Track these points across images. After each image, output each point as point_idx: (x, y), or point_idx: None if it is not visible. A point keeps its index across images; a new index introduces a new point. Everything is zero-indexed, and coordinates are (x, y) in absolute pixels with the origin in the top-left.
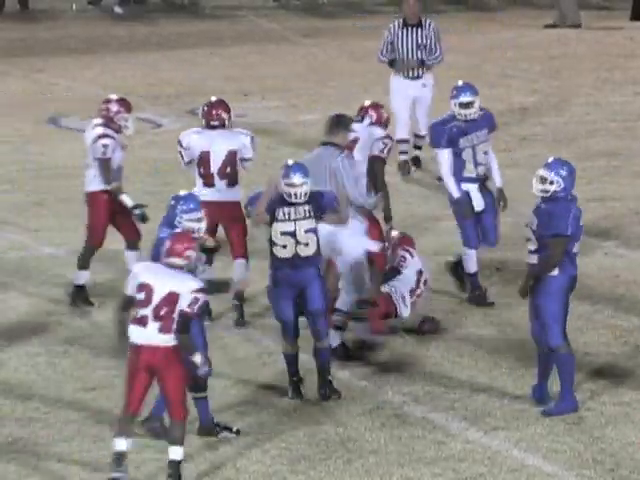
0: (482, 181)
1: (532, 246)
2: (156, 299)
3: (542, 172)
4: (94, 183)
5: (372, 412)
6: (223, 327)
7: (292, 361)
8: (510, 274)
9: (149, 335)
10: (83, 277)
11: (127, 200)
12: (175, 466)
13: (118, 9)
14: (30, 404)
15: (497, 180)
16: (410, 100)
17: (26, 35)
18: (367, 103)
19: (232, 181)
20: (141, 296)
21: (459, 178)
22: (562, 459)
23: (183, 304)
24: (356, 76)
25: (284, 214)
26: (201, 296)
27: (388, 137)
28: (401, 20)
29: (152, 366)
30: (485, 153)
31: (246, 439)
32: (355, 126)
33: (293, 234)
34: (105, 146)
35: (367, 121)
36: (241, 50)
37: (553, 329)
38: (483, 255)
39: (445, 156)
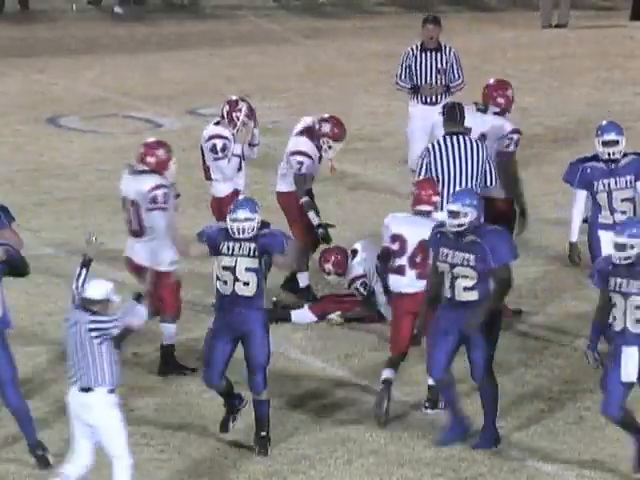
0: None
1: (470, 282)
2: (410, 248)
3: (452, 206)
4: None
5: (372, 413)
6: None
7: (263, 411)
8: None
9: (408, 283)
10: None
11: (313, 218)
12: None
13: (118, 9)
14: (30, 404)
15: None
16: (429, 128)
17: (26, 35)
18: (492, 82)
19: None
20: (395, 246)
21: (595, 222)
22: (562, 459)
23: None
24: (356, 76)
25: (228, 248)
26: None
27: (515, 131)
28: (419, 44)
29: (415, 311)
30: (628, 201)
31: (246, 439)
32: (478, 117)
33: (233, 270)
34: (300, 163)
35: (492, 111)
36: (241, 50)
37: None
38: None
39: (577, 195)
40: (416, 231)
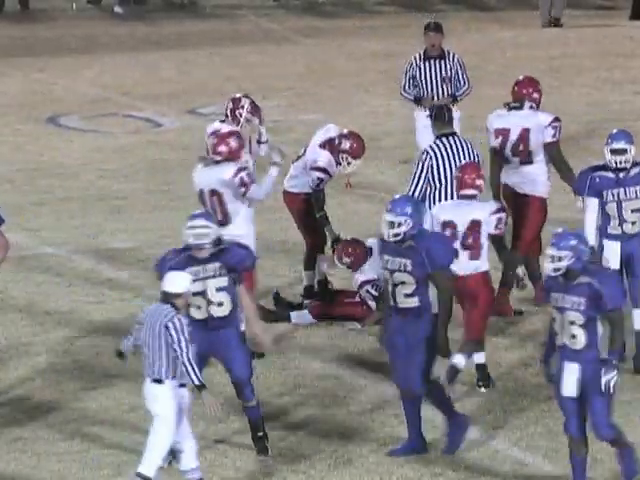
0: (631, 239)
1: (409, 288)
2: (461, 232)
3: (388, 216)
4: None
5: (372, 412)
6: None
7: (256, 415)
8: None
9: (462, 266)
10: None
11: (330, 232)
12: (483, 367)
13: (118, 9)
14: (30, 403)
15: None
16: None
17: (26, 35)
18: (523, 79)
19: None
20: (447, 233)
21: (604, 233)
22: (562, 458)
23: (490, 228)
24: (356, 76)
25: (194, 274)
26: (502, 215)
27: (557, 119)
28: (422, 53)
29: (470, 292)
30: (639, 211)
31: (246, 438)
32: (515, 116)
33: (204, 294)
34: (320, 179)
35: (527, 107)
36: (241, 50)
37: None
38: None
39: (589, 204)
40: (464, 214)
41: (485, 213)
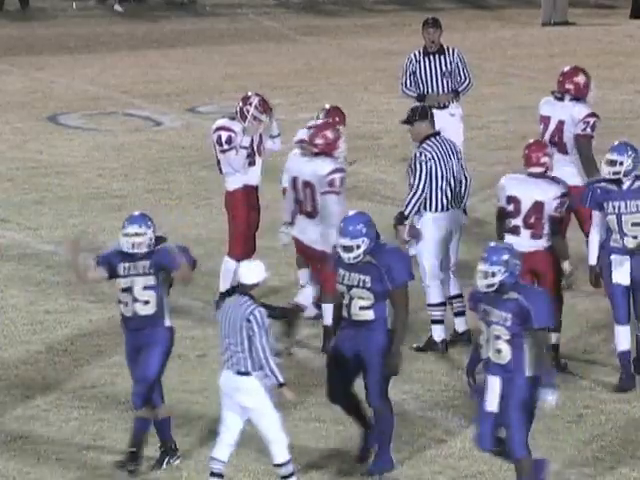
0: (633, 253)
1: (366, 302)
2: (524, 209)
3: (343, 241)
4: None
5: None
6: None
7: (139, 428)
8: None
9: (523, 242)
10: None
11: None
12: (555, 348)
13: (118, 7)
14: (30, 402)
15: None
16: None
17: (26, 33)
18: (567, 69)
19: None
20: (511, 207)
21: (607, 245)
22: (562, 457)
23: (550, 210)
24: (356, 74)
25: (123, 269)
26: (564, 199)
27: (591, 115)
28: (421, 49)
29: (534, 269)
30: (637, 225)
31: (246, 438)
32: (557, 105)
33: (130, 290)
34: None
35: (568, 98)
36: (241, 48)
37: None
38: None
39: (594, 216)
40: (530, 192)
41: (549, 195)
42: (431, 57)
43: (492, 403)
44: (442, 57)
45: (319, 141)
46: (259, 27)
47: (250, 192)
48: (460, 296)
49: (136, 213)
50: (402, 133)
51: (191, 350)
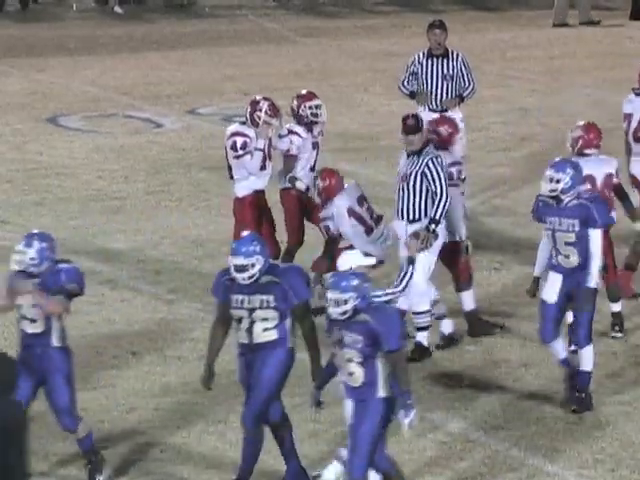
0: (567, 272)
1: (271, 323)
2: (599, 185)
3: (236, 260)
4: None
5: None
6: None
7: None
8: (511, 274)
9: None
10: None
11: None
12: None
13: (118, 9)
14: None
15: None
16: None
17: (26, 34)
18: None
19: None
20: (587, 186)
21: (550, 261)
22: (562, 458)
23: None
24: (356, 75)
25: (20, 286)
26: (617, 179)
27: None
28: (426, 50)
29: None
30: (572, 245)
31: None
32: (636, 102)
33: (20, 307)
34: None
35: None
36: (241, 50)
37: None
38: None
39: (544, 229)
40: (601, 169)
41: (612, 167)
42: (435, 59)
43: (348, 417)
44: (445, 60)
45: (432, 137)
46: (259, 28)
47: (260, 197)
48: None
49: (35, 231)
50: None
51: (191, 352)
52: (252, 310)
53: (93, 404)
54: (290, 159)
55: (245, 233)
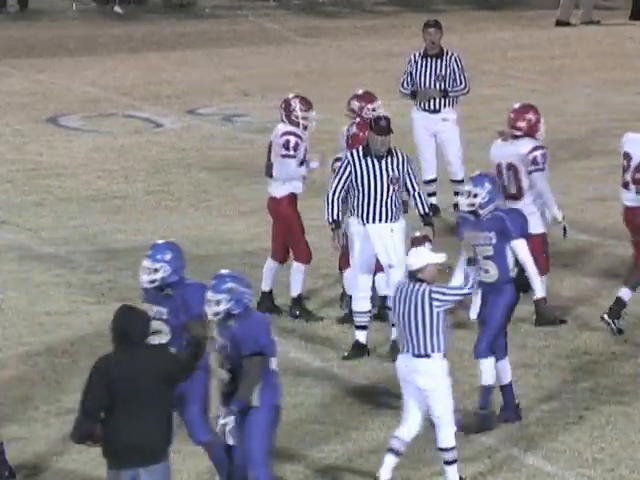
0: (486, 288)
1: (164, 338)
2: (633, 166)
3: (145, 263)
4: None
5: (372, 412)
6: None
7: None
8: None
9: (630, 197)
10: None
11: None
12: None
13: (118, 9)
14: (30, 404)
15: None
16: (432, 135)
17: (26, 35)
18: None
19: None
20: (625, 163)
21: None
22: (562, 459)
23: None
24: (356, 75)
25: None
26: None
27: None
28: (422, 50)
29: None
30: (491, 259)
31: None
32: None
33: None
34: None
35: None
36: (241, 50)
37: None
38: None
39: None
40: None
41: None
42: (429, 59)
43: (228, 437)
44: (439, 60)
45: (521, 124)
46: (259, 29)
47: (295, 199)
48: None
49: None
50: (401, 135)
51: None
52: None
53: None
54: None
55: (160, 242)
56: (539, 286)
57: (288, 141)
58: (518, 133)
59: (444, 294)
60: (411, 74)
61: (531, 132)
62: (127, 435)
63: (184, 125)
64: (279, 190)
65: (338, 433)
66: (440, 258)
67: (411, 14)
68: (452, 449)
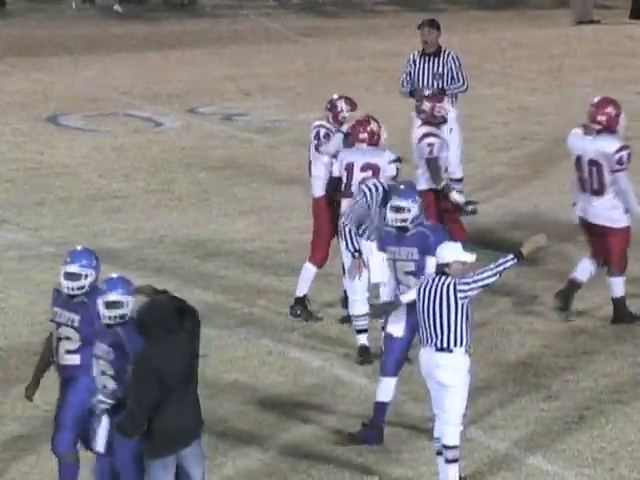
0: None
1: (73, 345)
2: None
3: (69, 268)
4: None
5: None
6: (222, 326)
7: None
8: (510, 273)
9: None
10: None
11: (458, 197)
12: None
13: (118, 8)
14: (30, 403)
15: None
16: None
17: (26, 34)
18: None
19: None
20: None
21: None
22: (562, 458)
23: None
24: (356, 75)
25: None
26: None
27: None
28: (420, 50)
29: None
30: (411, 275)
31: (246, 437)
32: None
33: None
34: (430, 145)
35: None
36: (241, 49)
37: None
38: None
39: (378, 258)
40: None
41: None
42: (427, 58)
43: (100, 443)
44: (437, 59)
45: (601, 118)
46: (259, 28)
47: (333, 201)
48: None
49: None
50: (401, 134)
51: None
52: (59, 325)
53: None
54: (433, 161)
55: (80, 248)
56: None
57: (318, 132)
58: (598, 127)
59: (468, 284)
60: (410, 73)
61: (610, 126)
62: (177, 419)
63: (184, 124)
64: (318, 190)
65: (338, 432)
66: (469, 257)
67: (411, 14)
68: (454, 448)
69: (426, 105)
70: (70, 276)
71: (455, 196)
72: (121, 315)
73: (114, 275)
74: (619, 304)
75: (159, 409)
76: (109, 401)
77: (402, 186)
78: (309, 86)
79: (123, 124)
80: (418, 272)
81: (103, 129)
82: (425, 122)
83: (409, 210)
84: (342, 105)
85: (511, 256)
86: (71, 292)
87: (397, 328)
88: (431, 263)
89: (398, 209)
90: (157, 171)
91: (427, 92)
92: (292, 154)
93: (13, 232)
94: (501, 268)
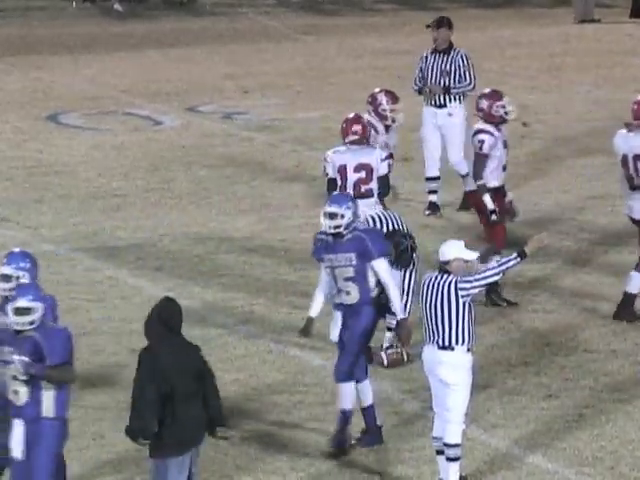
0: (347, 310)
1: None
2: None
3: (4, 269)
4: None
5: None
6: (222, 325)
7: None
8: (510, 272)
9: None
10: None
11: (488, 202)
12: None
13: (118, 6)
14: None
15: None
16: (438, 131)
17: (26, 33)
18: None
19: None
20: None
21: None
22: (562, 456)
23: None
24: (355, 73)
25: None
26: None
27: None
28: (432, 47)
29: None
30: (351, 280)
31: (246, 436)
32: None
33: None
34: (481, 142)
35: None
36: (241, 47)
37: None
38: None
39: (322, 270)
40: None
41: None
42: (437, 56)
43: (16, 448)
44: (446, 56)
45: None
46: (259, 26)
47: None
48: None
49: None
50: (402, 133)
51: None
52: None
53: (93, 401)
54: (481, 158)
55: (16, 250)
56: (399, 307)
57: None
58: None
59: (470, 282)
60: (420, 70)
61: None
62: (189, 417)
63: (184, 122)
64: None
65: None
66: (470, 255)
67: (410, 12)
68: (456, 446)
69: (484, 103)
70: (4, 278)
71: (486, 199)
72: (30, 321)
73: (25, 280)
74: (628, 300)
75: (170, 408)
76: (19, 405)
77: (335, 193)
78: (308, 84)
79: (123, 122)
80: (358, 277)
81: (103, 127)
82: (484, 121)
83: (342, 216)
84: (383, 99)
85: (514, 255)
86: (5, 293)
87: (336, 334)
88: (381, 267)
89: (332, 215)
90: (157, 169)
91: (487, 90)
92: (292, 152)
93: (13, 230)
94: (504, 267)
